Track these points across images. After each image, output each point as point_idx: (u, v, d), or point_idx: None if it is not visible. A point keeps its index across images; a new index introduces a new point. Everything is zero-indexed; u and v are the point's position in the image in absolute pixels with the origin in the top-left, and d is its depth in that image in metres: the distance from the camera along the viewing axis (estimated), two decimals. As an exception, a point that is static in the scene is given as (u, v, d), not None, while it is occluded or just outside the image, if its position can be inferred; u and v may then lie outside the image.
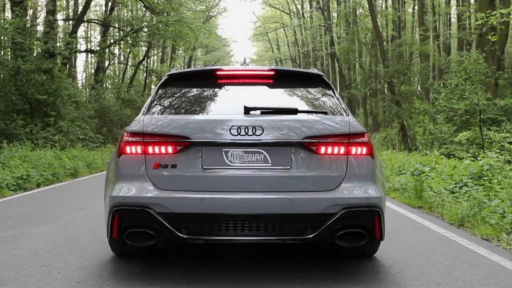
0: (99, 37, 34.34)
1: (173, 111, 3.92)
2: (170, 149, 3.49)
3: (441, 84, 22.75)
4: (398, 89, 21.55)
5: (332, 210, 3.39)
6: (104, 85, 31.77)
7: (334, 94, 4.07)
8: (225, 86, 4.11)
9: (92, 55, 38.19)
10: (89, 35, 42.49)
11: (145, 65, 37.40)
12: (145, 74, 37.28)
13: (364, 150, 3.60)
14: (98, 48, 25.66)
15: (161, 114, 3.84)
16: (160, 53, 42.33)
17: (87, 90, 33.29)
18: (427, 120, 18.93)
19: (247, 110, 3.61)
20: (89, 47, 37.93)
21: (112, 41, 26.65)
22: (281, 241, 3.51)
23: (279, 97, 4.15)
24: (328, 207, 3.39)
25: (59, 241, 5.00)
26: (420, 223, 6.18)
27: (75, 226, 5.81)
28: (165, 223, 3.36)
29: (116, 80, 34.71)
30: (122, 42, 26.43)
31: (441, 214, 6.69)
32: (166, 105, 4.00)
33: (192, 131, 3.51)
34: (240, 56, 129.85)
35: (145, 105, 3.98)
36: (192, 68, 4.73)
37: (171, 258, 4.36)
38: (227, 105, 3.92)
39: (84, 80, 44.61)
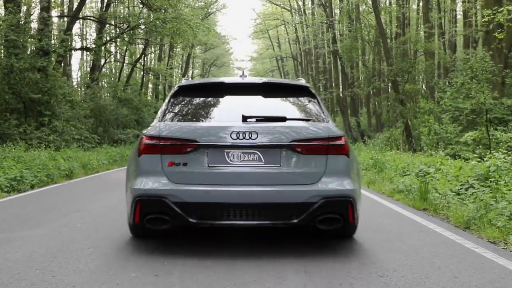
0: (94, 35, 34.37)
1: (184, 118, 4.84)
2: (181, 150, 4.39)
3: (447, 83, 22.76)
4: (402, 88, 21.55)
5: (313, 200, 4.30)
6: (100, 84, 31.76)
7: (318, 103, 4.98)
8: (226, 96, 5.02)
9: (88, 53, 38.21)
10: (84, 32, 42.49)
11: (142, 63, 37.42)
12: (142, 73, 37.28)
13: (341, 150, 4.51)
14: (93, 46, 25.65)
15: (174, 121, 4.75)
16: (158, 51, 42.33)
17: (83, 89, 33.31)
18: (432, 120, 18.93)
19: (244, 118, 4.49)
20: (84, 44, 37.94)
21: (108, 38, 26.69)
22: (272, 225, 4.58)
23: (271, 106, 4.98)
24: (310, 197, 4.29)
25: (54, 244, 5.01)
26: (425, 225, 6.18)
27: (70, 229, 5.81)
28: (178, 210, 4.27)
29: (112, 79, 34.72)
30: (118, 39, 26.43)
31: (446, 217, 6.69)
32: (177, 112, 4.90)
33: (199, 135, 4.41)
34: (240, 54, 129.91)
35: (160, 112, 4.85)
36: (199, 80, 5.96)
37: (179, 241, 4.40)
38: (228, 113, 4.75)
39: (79, 79, 44.63)
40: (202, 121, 4.79)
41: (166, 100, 5.03)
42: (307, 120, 4.76)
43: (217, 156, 4.37)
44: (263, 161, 4.38)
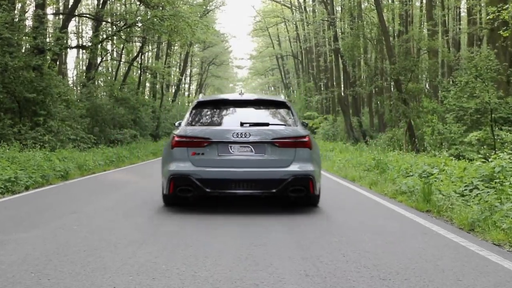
0: (91, 32, 34.31)
1: (201, 123, 7.40)
2: (200, 145, 6.87)
3: (451, 82, 22.78)
4: (405, 87, 21.54)
5: (286, 177, 6.78)
6: (96, 83, 31.68)
7: (292, 113, 7.52)
8: (230, 108, 7.61)
9: (84, 51, 38.12)
10: (80, 30, 42.49)
11: (139, 62, 37.37)
12: (139, 71, 37.25)
13: (305, 145, 6.98)
14: (89, 44, 25.60)
15: (195, 125, 7.27)
16: (155, 49, 42.30)
17: (78, 88, 33.24)
18: (435, 120, 18.93)
19: (241, 124, 7.03)
20: (80, 42, 37.85)
21: (104, 36, 26.65)
22: (260, 193, 7.05)
23: (260, 115, 7.49)
24: (284, 175, 6.77)
25: (49, 246, 5.01)
26: (428, 227, 6.18)
27: (65, 231, 5.81)
28: (198, 183, 6.77)
29: (109, 78, 34.60)
30: (115, 37, 26.40)
31: (450, 219, 6.69)
32: (197, 119, 7.45)
33: (212, 135, 6.91)
34: (240, 52, 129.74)
35: (185, 118, 7.41)
36: (211, 97, 8.44)
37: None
38: (231, 120, 7.36)
39: (75, 78, 44.58)
40: (214, 125, 7.35)
41: (189, 111, 7.60)
42: (283, 125, 7.32)
43: (224, 148, 6.91)
44: (254, 152, 6.94)
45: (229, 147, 6.90)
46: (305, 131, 7.25)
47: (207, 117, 7.64)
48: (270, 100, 8.09)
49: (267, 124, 7.13)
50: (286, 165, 6.87)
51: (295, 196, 7.15)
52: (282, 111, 7.63)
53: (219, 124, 7.40)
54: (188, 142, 6.95)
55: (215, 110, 7.66)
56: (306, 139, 7.01)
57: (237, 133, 6.89)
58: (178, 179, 6.89)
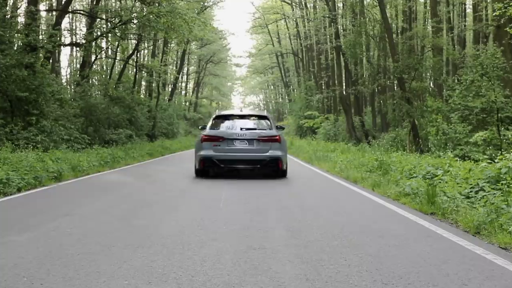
0: (85, 30, 34.33)
1: (218, 127, 13.26)
2: (217, 140, 12.65)
3: (456, 80, 22.77)
4: (408, 86, 21.56)
5: (266, 158, 12.63)
6: (90, 82, 31.66)
7: (270, 122, 13.51)
8: (234, 119, 13.50)
9: (78, 48, 38.12)
10: (74, 27, 42.47)
11: (135, 60, 37.32)
12: (135, 70, 37.20)
13: (276, 140, 12.74)
14: (83, 41, 25.58)
15: (214, 129, 13.17)
16: (151, 47, 42.29)
17: (72, 87, 33.22)
18: (440, 119, 18.96)
19: (241, 129, 13.01)
20: (74, 40, 37.84)
21: (99, 33, 26.58)
22: (251, 168, 13.15)
23: (252, 123, 13.46)
24: (264, 157, 12.58)
25: (42, 250, 5.00)
26: (433, 230, 6.18)
27: (59, 234, 5.81)
28: (217, 162, 12.64)
29: (104, 76, 34.53)
30: (109, 34, 26.40)
31: (455, 221, 6.70)
32: (215, 125, 13.40)
33: (224, 135, 12.80)
34: (238, 50, 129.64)
35: (209, 125, 13.57)
36: (224, 112, 14.75)
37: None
38: (234, 126, 13.17)
39: (68, 76, 44.54)
40: (225, 129, 13.02)
41: (211, 120, 13.68)
42: (264, 130, 13.08)
43: (230, 142, 12.58)
44: (247, 144, 12.63)
45: (233, 142, 12.73)
46: (277, 132, 13.14)
47: (221, 124, 13.47)
48: (257, 114, 14.66)
49: (255, 129, 13.18)
50: (265, 152, 12.66)
51: (270, 170, 13.07)
52: (264, 121, 13.76)
53: (228, 128, 13.21)
54: (210, 138, 12.77)
55: (225, 120, 13.61)
56: (277, 137, 12.85)
57: (238, 134, 12.85)
58: (205, 160, 12.68)
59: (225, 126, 13.30)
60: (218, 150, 12.55)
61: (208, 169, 12.98)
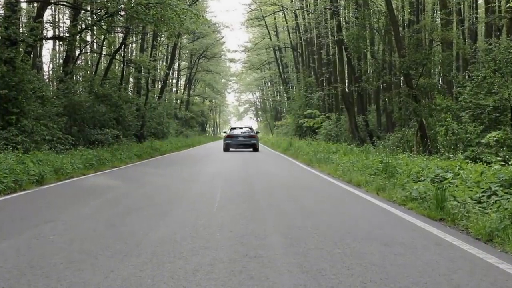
0: (68, 22, 34.31)
1: (231, 132, 36.97)
2: (231, 137, 35.49)
3: (466, 77, 22.83)
4: (416, 83, 21.59)
5: (250, 144, 35.13)
6: (75, 78, 31.62)
7: (252, 129, 37.51)
8: (237, 129, 37.37)
9: (61, 42, 38.14)
10: (57, 20, 42.43)
11: (122, 55, 37.31)
12: (122, 65, 37.18)
13: (255, 137, 35.43)
14: (67, 35, 25.59)
15: (229, 132, 36.77)
16: (140, 41, 42.30)
17: (55, 84, 33.17)
18: (449, 119, 18.99)
19: (240, 132, 36.99)
20: (57, 33, 37.84)
21: (83, 26, 26.56)
22: (246, 150, 34.59)
23: (245, 130, 37.17)
24: (250, 144, 34.81)
25: (22, 258, 5.00)
26: (442, 238, 6.20)
27: (40, 242, 5.81)
28: (231, 145, 35.50)
29: (89, 72, 34.52)
30: (95, 27, 26.38)
31: (466, 228, 6.71)
32: (230, 130, 37.40)
33: (233, 135, 35.87)
34: (233, 44, 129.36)
35: (228, 128, 41.87)
36: (233, 126, 29.64)
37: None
38: (237, 132, 36.46)
39: (51, 72, 44.43)
40: (233, 132, 36.08)
41: (229, 129, 40.06)
42: (250, 132, 36.11)
43: (236, 138, 34.79)
44: (244, 138, 34.87)
45: (238, 137, 34.06)
46: (255, 133, 35.91)
47: (232, 131, 35.66)
48: (247, 126, 38.07)
49: (246, 132, 34.87)
50: (250, 141, 33.88)
51: (253, 150, 33.57)
52: (250, 129, 36.08)
53: (235, 133, 34.90)
54: (228, 136, 34.82)
55: (234, 130, 35.66)
56: (255, 136, 34.77)
57: (239, 134, 34.51)
58: (226, 145, 33.88)
59: (234, 131, 35.24)
60: (231, 140, 33.90)
61: (228, 148, 33.50)
